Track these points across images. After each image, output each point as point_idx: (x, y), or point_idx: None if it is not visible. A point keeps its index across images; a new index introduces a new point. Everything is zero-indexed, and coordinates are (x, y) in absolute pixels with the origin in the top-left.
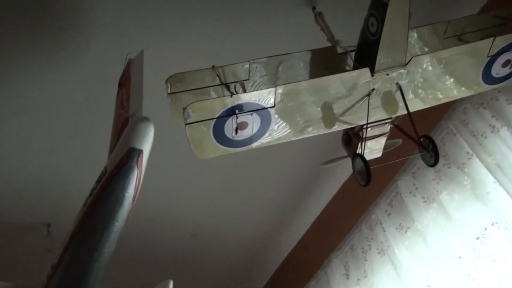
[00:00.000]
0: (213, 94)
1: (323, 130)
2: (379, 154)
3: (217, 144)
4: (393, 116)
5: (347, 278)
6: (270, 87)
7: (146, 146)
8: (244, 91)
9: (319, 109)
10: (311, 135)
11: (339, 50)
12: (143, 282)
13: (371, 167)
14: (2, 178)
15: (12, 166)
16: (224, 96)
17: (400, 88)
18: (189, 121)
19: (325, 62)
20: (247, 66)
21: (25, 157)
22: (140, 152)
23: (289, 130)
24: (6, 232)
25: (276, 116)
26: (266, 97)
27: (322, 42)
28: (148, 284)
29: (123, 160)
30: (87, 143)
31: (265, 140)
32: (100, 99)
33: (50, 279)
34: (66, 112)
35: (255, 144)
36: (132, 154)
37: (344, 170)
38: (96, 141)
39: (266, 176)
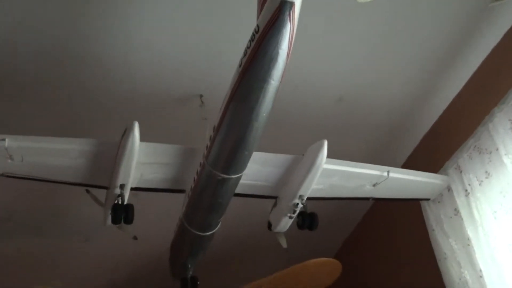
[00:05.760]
0: None
1: None
2: None
3: None
4: None
5: None
6: None
7: None
8: None
9: None
10: None
11: None
12: (295, 144)
13: None
14: (149, 58)
15: (162, 40)
16: None
17: None
18: None
19: None
20: None
21: (176, 30)
22: (292, 4)
23: None
24: (164, 104)
25: None
26: None
27: None
28: (300, 145)
29: (275, 14)
30: (232, 9)
31: None
32: None
33: (213, 140)
34: None
35: None
36: (284, 8)
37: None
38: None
39: (419, 26)
